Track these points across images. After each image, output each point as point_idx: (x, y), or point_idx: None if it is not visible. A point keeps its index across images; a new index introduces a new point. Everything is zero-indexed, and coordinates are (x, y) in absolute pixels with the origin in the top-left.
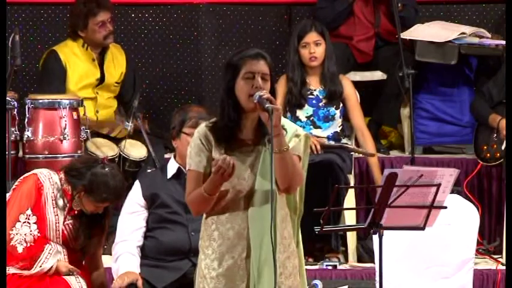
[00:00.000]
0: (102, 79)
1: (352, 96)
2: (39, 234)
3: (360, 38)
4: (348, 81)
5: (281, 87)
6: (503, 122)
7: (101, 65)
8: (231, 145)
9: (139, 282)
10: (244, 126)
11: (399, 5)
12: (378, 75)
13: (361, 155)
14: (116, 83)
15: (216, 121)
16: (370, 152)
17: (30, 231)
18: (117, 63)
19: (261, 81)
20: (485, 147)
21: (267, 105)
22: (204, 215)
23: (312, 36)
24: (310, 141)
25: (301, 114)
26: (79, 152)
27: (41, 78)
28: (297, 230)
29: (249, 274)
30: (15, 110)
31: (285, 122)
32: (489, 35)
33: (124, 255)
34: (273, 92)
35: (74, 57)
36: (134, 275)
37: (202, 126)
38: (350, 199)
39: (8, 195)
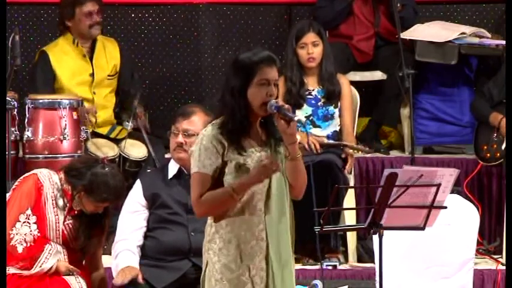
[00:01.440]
0: (93, 74)
1: (347, 96)
2: (39, 234)
3: (360, 38)
4: (345, 81)
5: (280, 87)
6: (504, 121)
7: (92, 59)
8: (243, 147)
9: (140, 276)
10: (252, 127)
11: (399, 5)
12: (377, 75)
13: (361, 155)
14: (109, 75)
15: (223, 123)
16: (367, 149)
17: (30, 231)
18: (108, 55)
19: (273, 88)
20: (485, 147)
21: (294, 117)
22: (214, 217)
23: (310, 37)
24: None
25: (300, 114)
26: (79, 152)
27: (31, 79)
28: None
29: (268, 275)
30: (15, 110)
31: None
32: (489, 35)
33: (124, 253)
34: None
35: (64, 55)
36: (134, 270)
37: (211, 129)
38: (350, 199)
39: (8, 195)
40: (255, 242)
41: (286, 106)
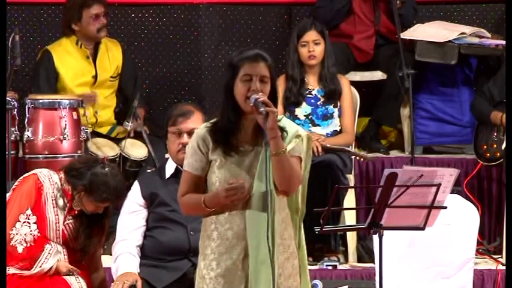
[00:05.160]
0: (96, 76)
1: (347, 96)
2: (39, 234)
3: (360, 37)
4: (346, 81)
5: (280, 86)
6: (505, 118)
7: (95, 61)
8: (229, 146)
9: (139, 283)
10: (244, 127)
11: (398, 2)
12: (378, 75)
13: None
14: (112, 77)
15: (216, 122)
16: (370, 156)
17: (30, 231)
18: (111, 57)
19: (259, 83)
20: (485, 147)
21: (261, 109)
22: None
23: (312, 35)
24: (312, 142)
25: (300, 112)
26: (79, 152)
27: (33, 77)
28: (299, 230)
29: (248, 275)
30: (15, 110)
31: (286, 123)
32: (489, 35)
33: (123, 255)
34: (274, 93)
35: (67, 56)
36: (133, 276)
37: (202, 127)
38: (350, 199)
39: (8, 195)
40: (236, 240)
41: (261, 99)
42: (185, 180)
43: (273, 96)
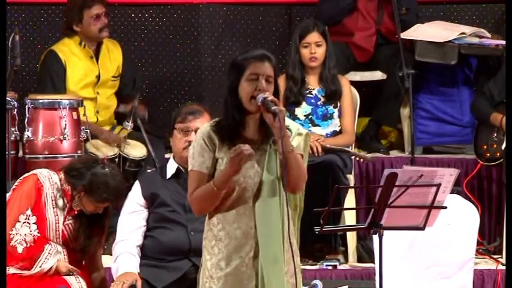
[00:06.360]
0: (100, 75)
1: (347, 96)
2: (39, 235)
3: (361, 34)
4: (346, 82)
5: (280, 86)
6: (505, 120)
7: (98, 61)
8: (235, 144)
9: (139, 283)
10: (248, 125)
11: (403, 8)
12: (377, 75)
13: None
14: (113, 77)
15: (219, 120)
16: (369, 156)
17: (30, 231)
18: (112, 57)
19: (264, 83)
20: (485, 147)
21: (273, 108)
22: (208, 215)
23: (314, 37)
24: (309, 138)
25: (300, 112)
26: (79, 152)
27: (41, 79)
28: (297, 228)
29: (257, 273)
30: (15, 110)
31: (288, 121)
32: (489, 35)
33: (123, 255)
34: (277, 93)
35: (72, 56)
36: (133, 276)
37: (206, 126)
38: (350, 199)
39: (8, 195)
40: (245, 239)
41: (270, 98)
42: (194, 180)
43: (276, 96)
